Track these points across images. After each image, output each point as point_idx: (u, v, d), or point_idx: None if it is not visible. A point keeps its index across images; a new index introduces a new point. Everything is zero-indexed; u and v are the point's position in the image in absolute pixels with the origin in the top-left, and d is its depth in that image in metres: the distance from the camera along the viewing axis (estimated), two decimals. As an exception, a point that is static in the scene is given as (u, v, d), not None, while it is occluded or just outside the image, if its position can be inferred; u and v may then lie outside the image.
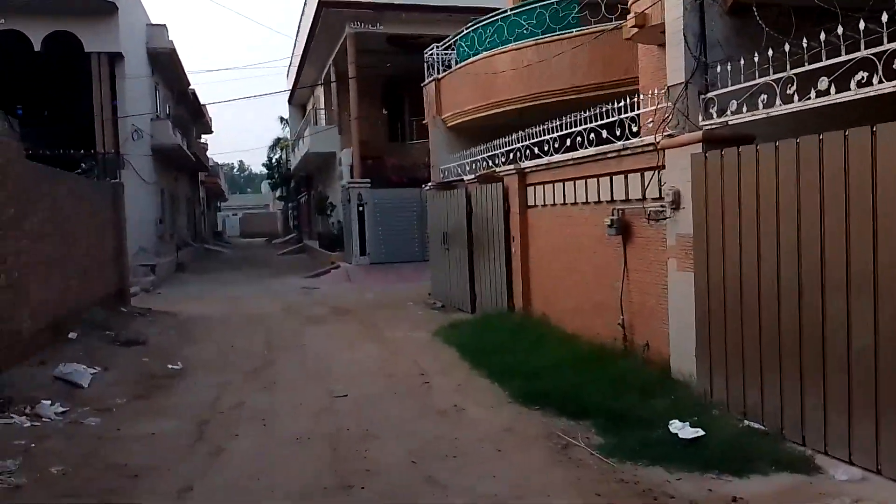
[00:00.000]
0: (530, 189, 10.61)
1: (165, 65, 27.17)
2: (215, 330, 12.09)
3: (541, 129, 10.35)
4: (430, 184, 15.70)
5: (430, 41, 24.74)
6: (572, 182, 9.25)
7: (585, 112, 9.41)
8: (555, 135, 9.89)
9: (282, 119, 54.84)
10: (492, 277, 11.77)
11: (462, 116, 14.82)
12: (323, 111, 27.85)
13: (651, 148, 7.34)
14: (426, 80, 16.22)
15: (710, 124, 6.59)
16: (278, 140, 57.59)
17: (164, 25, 26.30)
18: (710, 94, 6.78)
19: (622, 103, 8.51)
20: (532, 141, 10.67)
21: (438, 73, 15.68)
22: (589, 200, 8.86)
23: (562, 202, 9.58)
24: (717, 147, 6.34)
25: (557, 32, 12.45)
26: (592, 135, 8.84)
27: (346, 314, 13.86)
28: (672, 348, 7.07)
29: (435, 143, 15.74)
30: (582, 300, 9.07)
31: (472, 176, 12.54)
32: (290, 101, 38.71)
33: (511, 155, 11.47)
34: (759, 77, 6.35)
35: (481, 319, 10.92)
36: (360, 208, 22.12)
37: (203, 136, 49.34)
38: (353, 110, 22.85)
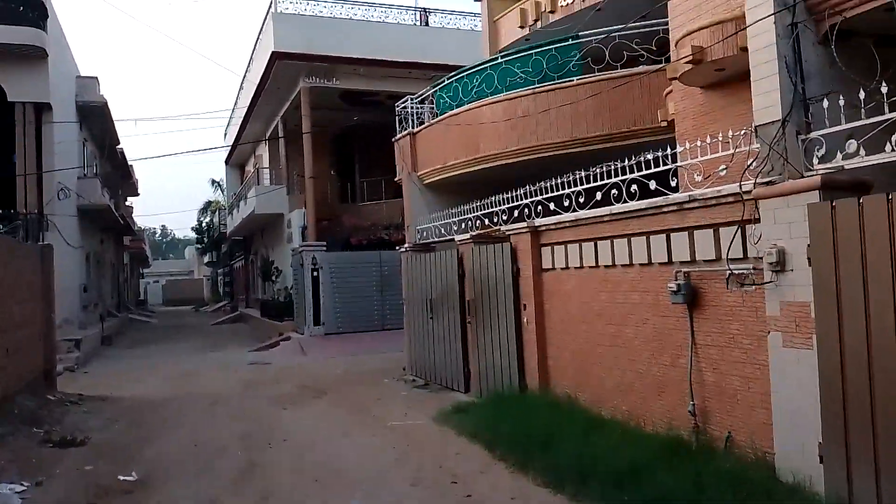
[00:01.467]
0: (546, 250, 9.35)
1: (95, 119, 25.13)
2: (169, 418, 10.11)
3: (559, 182, 9.20)
4: (405, 245, 14.29)
5: (385, 98, 23.90)
6: (608, 241, 8.04)
7: (593, 167, 8.42)
8: (579, 188, 8.75)
9: (213, 182, 52.72)
10: (495, 351, 10.34)
11: (442, 172, 13.60)
12: (268, 170, 26.24)
13: (731, 199, 6.20)
14: (398, 135, 15.00)
15: (827, 169, 5.51)
16: (209, 203, 55.22)
17: (95, 78, 24.40)
18: (814, 134, 5.73)
19: (667, 151, 7.45)
20: (546, 196, 9.49)
21: (413, 126, 14.50)
22: (635, 262, 7.65)
23: (592, 264, 8.34)
24: (835, 196, 5.26)
25: (556, 81, 11.49)
26: (634, 187, 7.71)
27: (321, 394, 12.07)
28: (777, 443, 5.78)
29: (410, 202, 14.42)
30: (628, 379, 7.75)
31: (467, 235, 11.23)
32: (227, 162, 36.86)
33: (515, 212, 10.25)
34: (867, 116, 5.38)
35: (490, 402, 9.41)
36: (315, 273, 20.44)
37: (129, 198, 46.60)
38: (307, 168, 21.39)
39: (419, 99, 14.61)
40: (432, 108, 14.51)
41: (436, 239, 13.25)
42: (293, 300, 22.43)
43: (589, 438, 6.94)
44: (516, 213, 10.31)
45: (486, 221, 11.12)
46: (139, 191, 47.35)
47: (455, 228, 12.30)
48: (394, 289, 20.69)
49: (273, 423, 9.64)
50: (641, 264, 7.55)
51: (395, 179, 15.49)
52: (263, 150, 28.60)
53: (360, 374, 14.45)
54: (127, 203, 45.05)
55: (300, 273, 20.77)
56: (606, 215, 7.99)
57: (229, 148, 33.86)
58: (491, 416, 8.57)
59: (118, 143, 31.01)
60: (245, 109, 26.70)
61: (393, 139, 15.34)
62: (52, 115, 19.17)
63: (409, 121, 14.66)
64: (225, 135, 36.09)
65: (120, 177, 36.23)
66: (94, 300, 26.97)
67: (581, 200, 8.68)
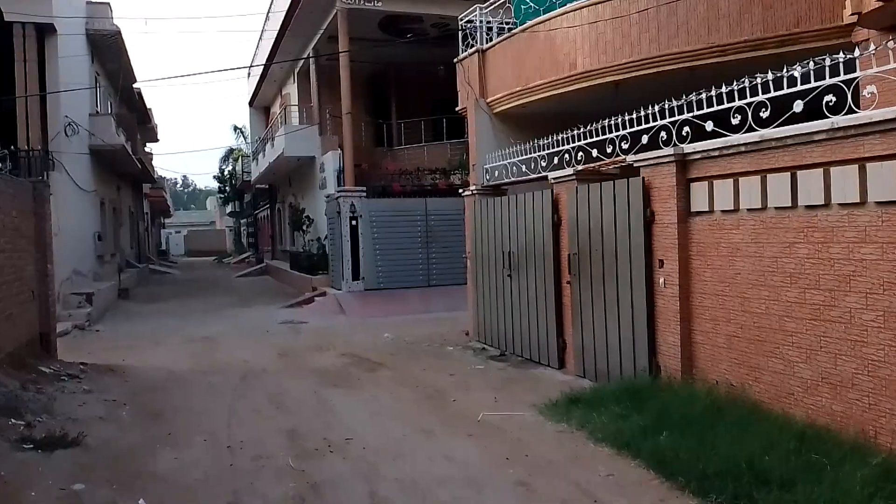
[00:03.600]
0: (698, 187, 6.86)
1: (108, 51, 22.65)
2: (193, 404, 7.88)
3: (718, 93, 6.66)
4: (470, 188, 11.85)
5: (431, 25, 21.15)
6: (818, 170, 5.54)
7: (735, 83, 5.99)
8: (758, 97, 6.23)
9: (235, 128, 50.35)
10: (610, 320, 7.94)
11: (520, 97, 11.03)
12: (296, 108, 23.69)
13: None
14: (462, 54, 12.40)
15: None
16: (231, 150, 52.88)
17: (107, 3, 21.85)
18: None
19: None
20: (699, 113, 6.97)
21: (483, 41, 11.89)
22: (869, 199, 5.16)
23: (785, 204, 5.85)
24: None
25: (686, -28, 8.83)
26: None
27: (376, 367, 9.81)
28: None
29: (477, 135, 11.91)
30: (847, 370, 5.32)
31: (568, 171, 8.74)
32: (251, 103, 34.32)
33: (644, 139, 7.75)
34: None
35: (615, 391, 6.97)
36: (353, 222, 18.08)
37: (148, 144, 44.41)
38: (344, 102, 18.82)
39: (491, 6, 11.93)
40: (507, 22, 11.86)
41: (512, 179, 10.78)
42: (328, 252, 20.16)
43: (836, 473, 4.53)
44: (648, 140, 7.81)
45: (596, 153, 8.61)
46: (159, 136, 45.23)
47: (543, 165, 9.81)
48: (441, 241, 18.43)
49: (326, 413, 7.37)
50: (882, 203, 5.06)
51: (457, 109, 12.94)
52: (292, 89, 26.02)
53: (414, 339, 12.19)
54: (146, 149, 42.94)
55: (336, 222, 18.43)
56: (819, 132, 5.47)
57: (254, 88, 31.32)
58: (631, 414, 6.20)
59: (134, 82, 28.55)
60: (272, 41, 24.06)
61: (455, 59, 12.76)
62: (57, 39, 16.71)
63: (477, 36, 12.04)
64: (249, 74, 33.53)
65: (137, 119, 33.84)
66: (111, 250, 24.94)
67: (764, 116, 6.17)
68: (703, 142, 6.71)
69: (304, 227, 22.87)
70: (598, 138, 8.58)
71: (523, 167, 10.40)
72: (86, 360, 10.43)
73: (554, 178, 9.10)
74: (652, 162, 7.23)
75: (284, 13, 20.66)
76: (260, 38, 28.23)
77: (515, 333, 10.11)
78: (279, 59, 24.40)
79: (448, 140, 22.84)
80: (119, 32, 21.51)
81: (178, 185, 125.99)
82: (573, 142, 9.04)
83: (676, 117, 7.19)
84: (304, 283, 21.30)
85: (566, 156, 9.17)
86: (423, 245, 18.48)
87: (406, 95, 25.07)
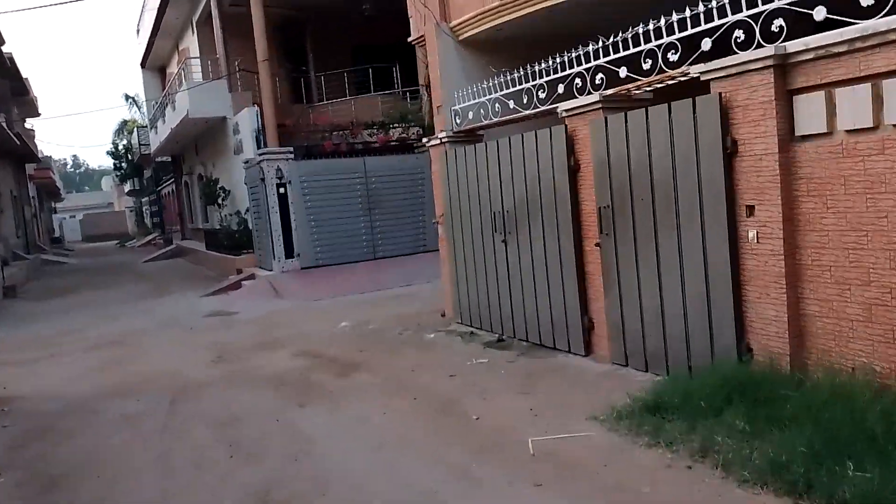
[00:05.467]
0: (805, 99, 4.96)
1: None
2: (106, 456, 5.49)
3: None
4: (438, 136, 9.67)
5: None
6: None
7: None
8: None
9: (128, 97, 45.71)
10: (669, 290, 6.03)
11: (499, 14, 8.82)
12: (198, 61, 20.52)
13: None
14: (413, -29, 10.07)
15: None
16: (125, 123, 48.16)
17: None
18: None
19: None
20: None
21: (440, -47, 9.60)
22: None
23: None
24: None
25: None
26: None
27: (347, 369, 7.60)
28: None
29: (441, 69, 9.67)
30: None
31: (591, 98, 6.70)
32: (143, 64, 30.42)
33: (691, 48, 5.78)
34: None
35: (712, 388, 5.03)
36: (281, 190, 15.56)
37: (29, 120, 39.54)
38: (259, 49, 16.10)
39: None
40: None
41: (497, 119, 8.66)
42: (251, 227, 17.53)
43: None
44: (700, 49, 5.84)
45: (625, 72, 6.57)
46: (40, 111, 40.33)
47: (542, 96, 7.73)
48: (386, 206, 16.25)
49: (304, 454, 5.16)
50: None
51: (410, 40, 10.62)
52: (191, 41, 22.71)
53: (380, 325, 10.03)
54: (27, 126, 38.17)
55: (260, 191, 15.84)
56: None
57: (145, 45, 27.57)
58: (767, 430, 4.31)
59: (3, 43, 24.46)
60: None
61: (404, -21, 10.41)
62: None
63: (432, -54, 9.72)
64: (138, 30, 29.66)
65: (11, 90, 29.55)
66: (-10, 242, 21.35)
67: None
68: (819, 34, 4.78)
69: (220, 201, 20.02)
70: (626, 52, 6.54)
71: (511, 103, 8.28)
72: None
73: (567, 110, 7.04)
74: (735, 70, 5.25)
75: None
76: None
77: (517, 313, 8.11)
78: (173, 5, 21.08)
79: (377, 91, 20.39)
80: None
81: (69, 166, 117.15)
82: (589, 60, 6.96)
83: (766, 7, 5.21)
84: (226, 264, 18.60)
85: (578, 80, 7.11)
86: (364, 211, 16.19)
87: (324, 44, 22.26)
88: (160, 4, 21.64)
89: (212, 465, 5.09)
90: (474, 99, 9.01)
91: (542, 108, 7.68)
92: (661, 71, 6.24)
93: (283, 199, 15.51)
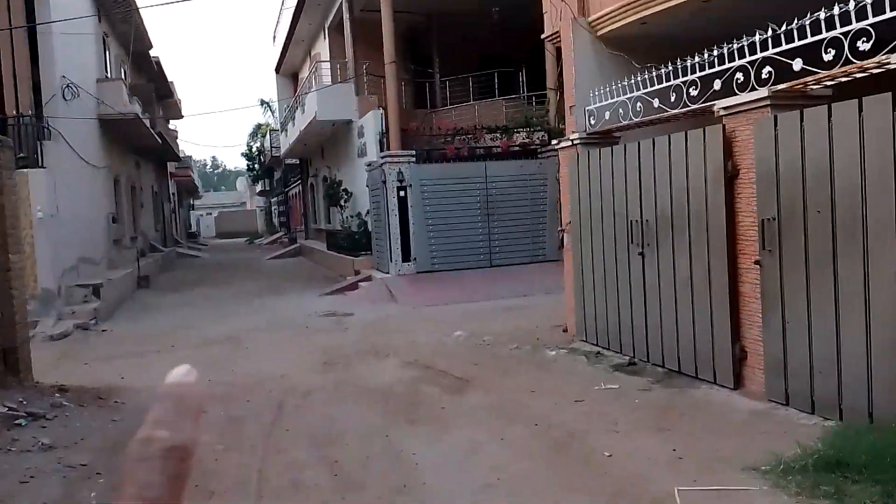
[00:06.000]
0: None
1: (117, 9, 19.99)
2: (204, 466, 5.16)
3: None
4: (570, 138, 8.93)
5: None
6: None
7: None
8: None
9: (262, 102, 47.84)
10: (850, 319, 5.01)
11: (646, 5, 8.00)
12: (328, 65, 20.78)
13: None
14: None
15: None
16: (259, 126, 50.45)
17: (111, -48, 19.14)
18: None
19: None
20: None
21: (581, -58, 8.89)
22: None
23: None
24: None
25: None
26: None
27: (458, 386, 7.01)
28: None
29: (578, 67, 8.94)
30: None
31: (760, 93, 5.76)
32: (277, 70, 31.54)
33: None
34: None
35: None
36: (402, 193, 15.27)
37: (172, 122, 42.05)
38: (386, 51, 15.94)
39: None
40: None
41: (632, 120, 7.82)
42: (371, 230, 17.41)
43: None
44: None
45: (800, 65, 5.60)
46: (183, 113, 42.79)
47: (694, 93, 6.83)
48: (504, 213, 15.59)
49: (410, 483, 4.59)
50: None
51: (543, 37, 9.96)
52: (322, 47, 23.15)
53: (495, 338, 9.37)
54: (171, 127, 40.59)
55: (381, 193, 15.64)
56: None
57: (280, 52, 28.50)
58: None
59: (150, 48, 25.96)
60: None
61: (539, -28, 9.77)
62: (46, -19, 14.01)
63: (572, -65, 9.02)
64: (274, 38, 30.76)
65: (158, 93, 31.39)
66: (131, 233, 22.54)
67: None
68: None
69: (342, 202, 20.12)
70: (803, 42, 5.56)
71: (655, 101, 7.42)
72: (72, 380, 7.87)
73: (727, 108, 6.13)
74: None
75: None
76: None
77: (652, 334, 7.23)
78: (307, 10, 21.48)
79: (502, 96, 19.85)
80: (126, -16, 18.80)
81: (209, 167, 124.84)
82: (755, 51, 6.02)
83: None
84: (344, 265, 18.62)
85: (739, 75, 6.18)
86: (482, 217, 15.62)
87: (450, 50, 22.02)
88: (295, 11, 22.15)
89: (311, 488, 4.62)
90: (611, 98, 8.21)
91: (694, 106, 6.79)
92: (848, 62, 5.24)
93: (402, 202, 15.23)
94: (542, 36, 10.02)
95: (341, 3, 19.83)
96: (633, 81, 7.80)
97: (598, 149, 8.33)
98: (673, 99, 7.17)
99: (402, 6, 18.37)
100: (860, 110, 4.88)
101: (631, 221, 7.45)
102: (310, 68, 24.41)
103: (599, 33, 8.89)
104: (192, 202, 65.31)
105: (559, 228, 9.51)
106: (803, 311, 5.41)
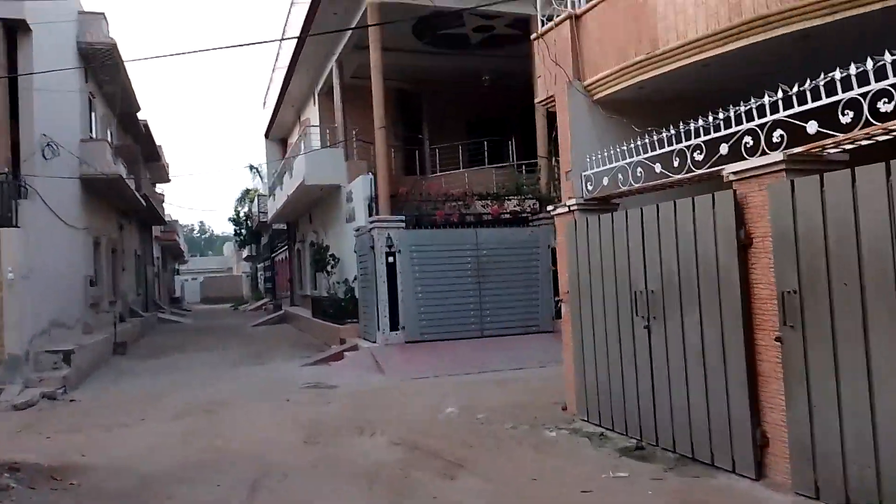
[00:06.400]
0: None
1: (105, 71, 19.90)
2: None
3: None
4: (567, 204, 8.58)
5: (471, 31, 18.23)
6: None
7: None
8: None
9: (251, 167, 47.91)
10: (887, 406, 4.55)
11: (642, 70, 7.75)
12: (318, 130, 20.65)
13: None
14: (543, 27, 9.24)
15: None
16: (247, 191, 50.35)
17: (101, 14, 19.15)
18: None
19: None
20: None
21: (575, 4, 8.75)
22: None
23: None
24: None
25: None
26: None
27: (451, 470, 6.37)
28: None
29: (574, 131, 8.68)
30: None
31: (775, 157, 5.43)
32: (266, 135, 31.54)
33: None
34: None
35: None
36: (390, 259, 14.85)
37: (159, 185, 41.80)
38: (377, 114, 15.75)
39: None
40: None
41: (632, 186, 7.49)
42: (357, 296, 16.89)
43: None
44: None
45: (816, 127, 5.29)
46: (170, 177, 42.58)
47: (699, 158, 6.51)
48: (495, 281, 15.21)
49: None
50: None
51: (538, 102, 9.71)
52: (312, 112, 23.14)
53: (489, 415, 8.78)
54: (157, 191, 40.27)
55: (369, 259, 15.20)
56: None
57: (270, 117, 28.54)
58: None
59: (138, 110, 25.86)
60: (290, 59, 21.25)
61: (533, 35, 9.60)
62: (32, 40, 13.82)
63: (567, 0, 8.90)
64: (264, 103, 30.87)
65: (145, 156, 31.20)
66: (109, 297, 21.86)
67: None
68: None
69: (329, 268, 19.67)
70: (818, 103, 5.27)
71: (657, 166, 7.10)
72: (30, 455, 7.20)
73: (737, 173, 5.79)
74: None
75: (305, 15, 17.68)
76: (276, 58, 25.50)
77: (661, 415, 6.69)
78: (299, 72, 21.54)
79: (491, 164, 19.73)
80: (115, 46, 18.74)
81: (196, 232, 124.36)
82: (764, 114, 5.73)
83: None
84: (329, 333, 18.02)
85: (748, 139, 5.87)
86: (473, 285, 15.18)
87: (439, 117, 22.12)
88: (286, 74, 22.20)
89: None
90: (610, 163, 7.91)
91: (700, 171, 6.47)
92: (868, 124, 4.94)
93: (391, 269, 14.78)
94: (536, 101, 9.79)
95: (332, 69, 19.87)
96: (632, 146, 7.51)
97: (596, 215, 7.96)
98: (676, 164, 6.85)
99: (393, 75, 18.41)
100: (888, 174, 4.54)
101: (635, 292, 7.01)
102: (299, 133, 24.34)
103: (596, 97, 8.66)
104: (177, 266, 64.61)
105: (556, 298, 9.07)
106: (831, 394, 4.93)
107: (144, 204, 25.44)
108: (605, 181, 8.04)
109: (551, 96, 9.19)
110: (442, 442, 7.51)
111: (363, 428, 8.50)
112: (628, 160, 7.54)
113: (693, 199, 6.26)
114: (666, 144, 6.99)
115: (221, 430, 8.85)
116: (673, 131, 6.87)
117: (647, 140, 7.28)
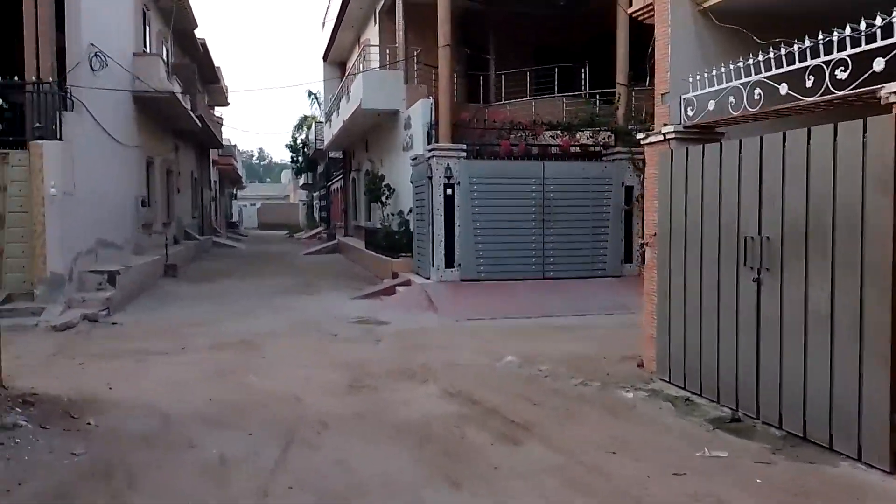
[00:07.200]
0: None
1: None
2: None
3: None
4: (662, 131, 7.35)
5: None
6: None
7: None
8: None
9: (310, 93, 47.18)
10: None
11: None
12: (376, 50, 19.43)
13: None
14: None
15: None
16: (305, 118, 49.73)
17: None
18: None
19: None
20: None
21: None
22: None
23: None
24: None
25: None
26: None
27: (513, 434, 5.46)
28: None
29: (675, 47, 7.39)
30: None
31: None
32: (325, 58, 30.39)
33: None
34: None
35: None
36: (449, 191, 13.82)
37: (218, 109, 41.38)
38: (441, 32, 14.48)
39: None
40: None
41: (748, 111, 6.21)
42: (412, 230, 16.00)
43: None
44: None
45: None
46: (229, 101, 42.09)
47: (840, 76, 5.21)
48: (561, 220, 14.06)
49: None
50: None
51: (630, 11, 8.37)
52: (372, 32, 21.86)
53: (553, 368, 7.82)
54: (217, 114, 39.86)
55: (426, 190, 14.21)
56: None
57: (328, 38, 27.34)
58: None
59: (195, 27, 25.02)
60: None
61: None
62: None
63: None
64: (323, 24, 29.63)
65: (203, 77, 30.56)
66: (163, 219, 21.55)
67: None
68: None
69: (384, 199, 18.76)
70: None
71: (784, 86, 5.80)
72: (53, 385, 6.62)
73: (905, 90, 4.51)
74: None
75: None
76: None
77: (767, 384, 5.61)
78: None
79: (561, 93, 18.27)
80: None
81: (255, 158, 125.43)
82: None
83: None
84: (382, 266, 17.26)
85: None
86: (537, 223, 14.06)
87: (506, 41, 20.53)
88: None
89: None
90: (719, 83, 6.62)
91: (844, 91, 5.18)
92: None
93: (449, 202, 13.76)
94: (630, 11, 8.44)
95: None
96: (749, 64, 6.20)
97: (698, 145, 6.74)
98: (810, 84, 5.56)
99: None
100: None
101: (745, 238, 5.84)
102: (358, 54, 23.15)
103: (704, 4, 7.30)
104: (234, 192, 64.99)
105: (641, 241, 7.95)
106: None
107: (200, 125, 24.84)
108: (712, 105, 6.75)
109: (648, 5, 7.84)
110: (501, 396, 6.61)
111: (414, 373, 7.69)
112: (745, 79, 6.24)
113: (836, 126, 5.01)
114: (797, 60, 5.68)
115: (261, 366, 8.17)
116: (809, 42, 5.55)
117: (770, 55, 5.97)
